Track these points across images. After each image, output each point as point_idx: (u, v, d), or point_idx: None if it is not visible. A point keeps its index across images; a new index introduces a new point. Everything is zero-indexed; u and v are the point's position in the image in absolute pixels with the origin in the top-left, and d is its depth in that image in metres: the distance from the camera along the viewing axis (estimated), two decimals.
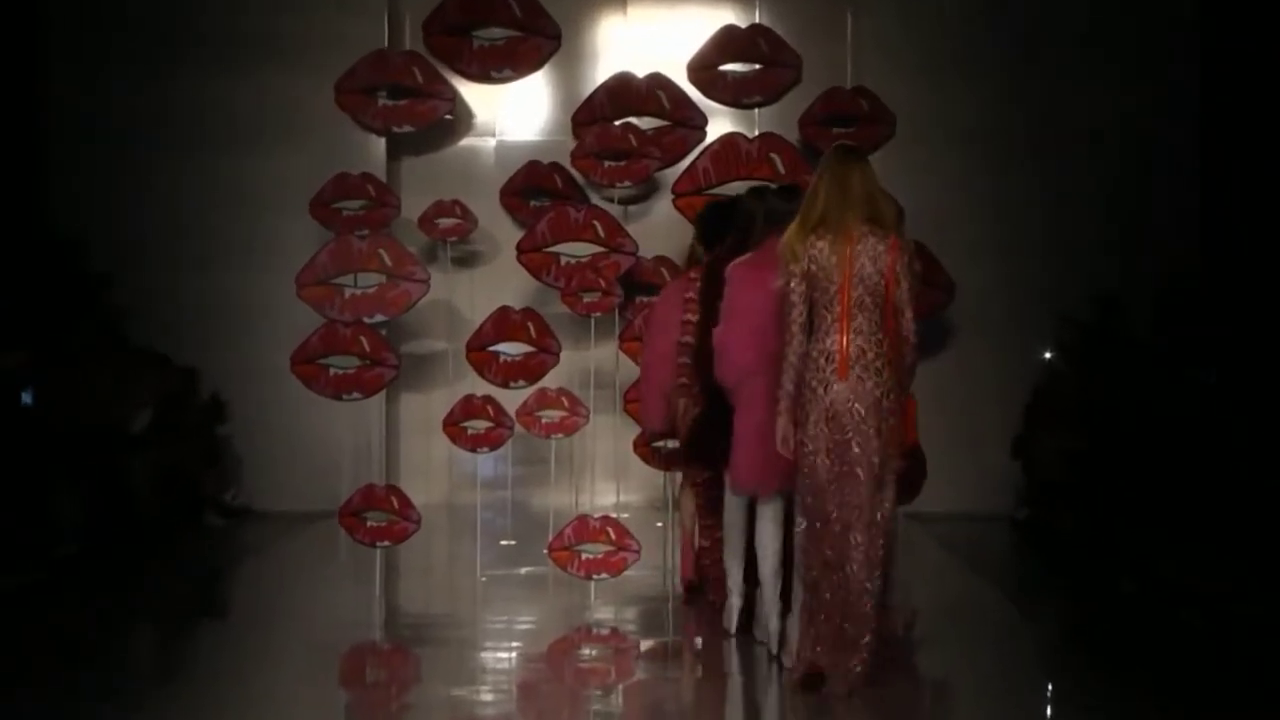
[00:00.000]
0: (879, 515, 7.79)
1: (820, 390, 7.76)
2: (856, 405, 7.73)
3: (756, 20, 13.52)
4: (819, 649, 7.84)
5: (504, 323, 11.64)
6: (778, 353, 8.06)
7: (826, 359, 7.76)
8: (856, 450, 7.74)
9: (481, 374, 11.70)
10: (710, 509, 9.46)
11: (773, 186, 9.73)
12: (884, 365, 7.75)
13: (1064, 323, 13.53)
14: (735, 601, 9.13)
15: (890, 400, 7.76)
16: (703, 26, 13.42)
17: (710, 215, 9.89)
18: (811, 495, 7.82)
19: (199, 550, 12.49)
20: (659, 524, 11.20)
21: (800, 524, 7.95)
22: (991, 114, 14.05)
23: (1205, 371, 11.75)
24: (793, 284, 7.82)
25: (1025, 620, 10.26)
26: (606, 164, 12.51)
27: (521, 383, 11.60)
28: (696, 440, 9.18)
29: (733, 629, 9.15)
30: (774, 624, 8.61)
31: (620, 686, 8.83)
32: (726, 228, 9.27)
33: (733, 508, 8.96)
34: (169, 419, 12.92)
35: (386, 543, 10.86)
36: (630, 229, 12.13)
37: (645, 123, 12.78)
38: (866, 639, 7.79)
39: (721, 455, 8.84)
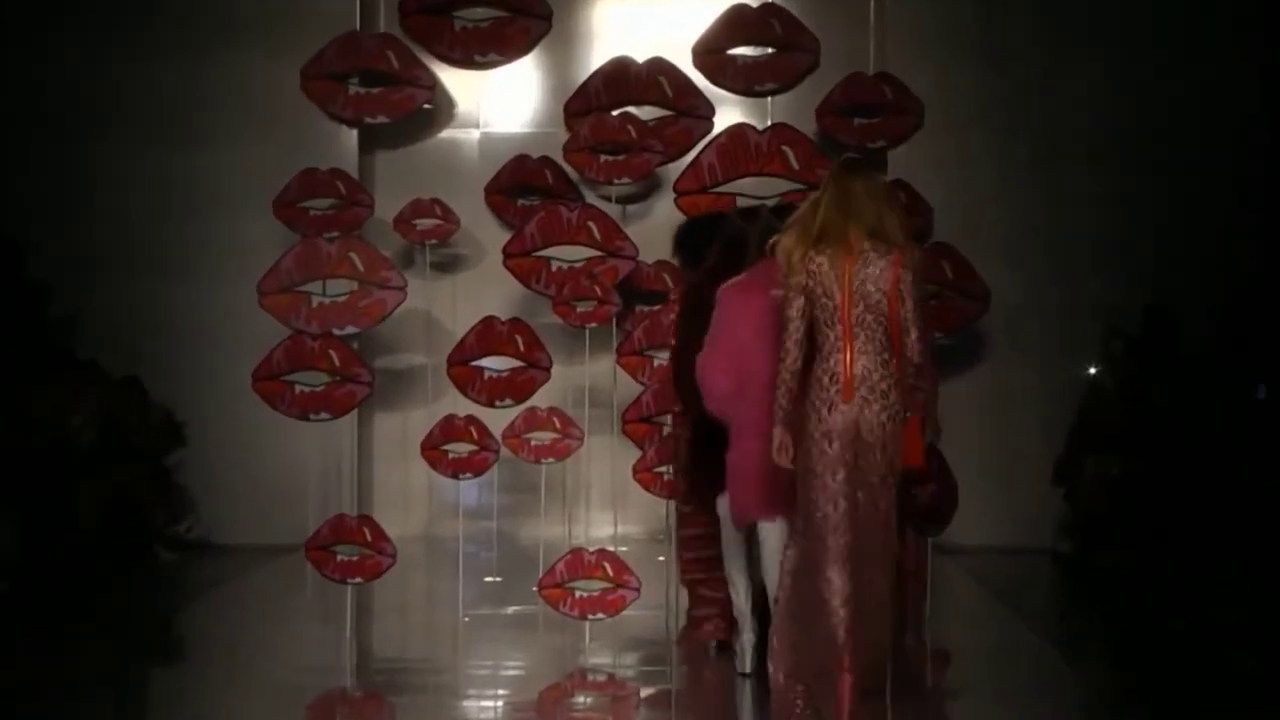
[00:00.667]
0: (876, 540, 8.04)
1: (824, 411, 8.02)
2: (860, 428, 8.01)
3: None
4: (804, 677, 8.11)
5: (489, 335, 11.67)
6: (756, 373, 8.47)
7: (831, 379, 8.03)
8: (860, 474, 8.00)
9: (464, 392, 11.73)
10: (694, 544, 9.70)
11: (768, 204, 9.89)
12: (890, 388, 8.01)
13: (1111, 335, 13.55)
14: (748, 639, 9.22)
15: (897, 424, 8.03)
16: (709, 6, 13.42)
17: (690, 232, 10.04)
18: (809, 519, 8.07)
19: (150, 587, 12.54)
20: (661, 558, 11.24)
21: (793, 547, 8.18)
22: (1029, 103, 14.07)
23: (1264, 391, 11.79)
24: (791, 299, 8.07)
25: (1066, 663, 10.29)
26: (603, 158, 12.51)
27: (508, 401, 11.63)
28: (691, 478, 9.38)
29: (747, 669, 9.21)
30: None
31: None
32: (708, 246, 9.45)
33: (731, 540, 9.15)
34: (117, 441, 12.96)
35: (358, 579, 10.90)
36: (629, 230, 12.16)
37: (645, 113, 12.78)
38: (866, 662, 8.04)
39: (712, 491, 9.07)
